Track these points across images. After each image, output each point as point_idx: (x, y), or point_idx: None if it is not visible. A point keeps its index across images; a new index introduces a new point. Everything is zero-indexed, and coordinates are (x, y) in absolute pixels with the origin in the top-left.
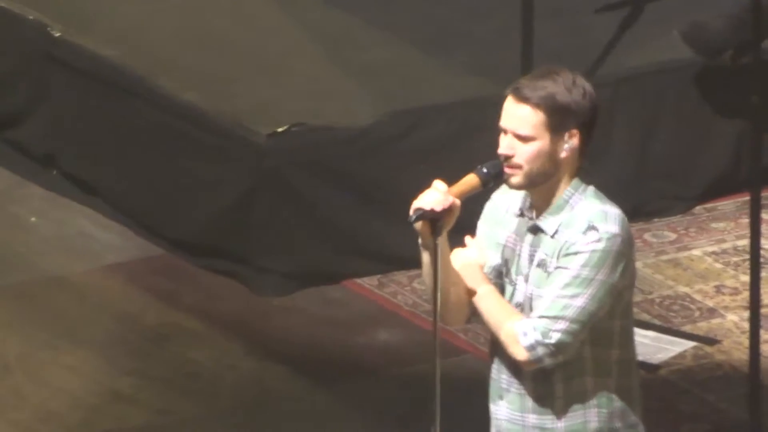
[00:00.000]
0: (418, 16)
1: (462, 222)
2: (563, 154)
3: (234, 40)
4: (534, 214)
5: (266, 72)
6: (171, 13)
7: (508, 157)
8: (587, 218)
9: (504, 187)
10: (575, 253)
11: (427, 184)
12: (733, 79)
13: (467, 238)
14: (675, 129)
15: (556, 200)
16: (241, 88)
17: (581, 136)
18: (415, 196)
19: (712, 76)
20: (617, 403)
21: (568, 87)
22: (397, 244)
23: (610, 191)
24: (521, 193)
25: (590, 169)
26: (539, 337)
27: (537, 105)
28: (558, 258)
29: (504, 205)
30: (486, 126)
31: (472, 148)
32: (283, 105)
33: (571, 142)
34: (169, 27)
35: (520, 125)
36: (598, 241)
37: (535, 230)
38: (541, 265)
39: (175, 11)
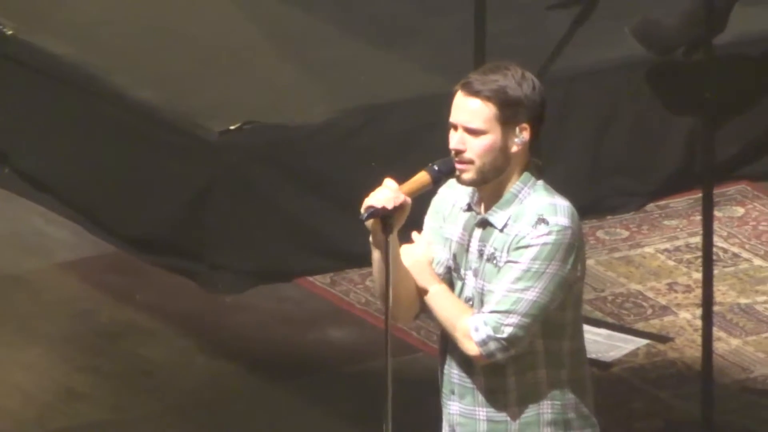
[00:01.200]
0: (373, 12)
1: (409, 217)
2: (514, 148)
3: (189, 36)
4: (482, 209)
5: (221, 69)
6: (125, 10)
7: (459, 152)
8: (536, 211)
9: (451, 182)
10: (525, 247)
11: (380, 182)
12: (685, 75)
13: (414, 234)
14: (628, 126)
15: (505, 194)
16: (195, 85)
17: (531, 129)
18: (367, 193)
19: (664, 73)
20: (570, 395)
21: (518, 81)
22: (350, 242)
23: (564, 188)
24: (468, 188)
25: (543, 166)
26: (491, 332)
27: (488, 98)
28: (508, 252)
29: (451, 200)
30: (440, 123)
31: (426, 145)
32: (237, 102)
33: (522, 136)
34: (123, 24)
35: (472, 119)
36: (548, 234)
37: (484, 224)
38: (491, 259)
39: (129, 8)
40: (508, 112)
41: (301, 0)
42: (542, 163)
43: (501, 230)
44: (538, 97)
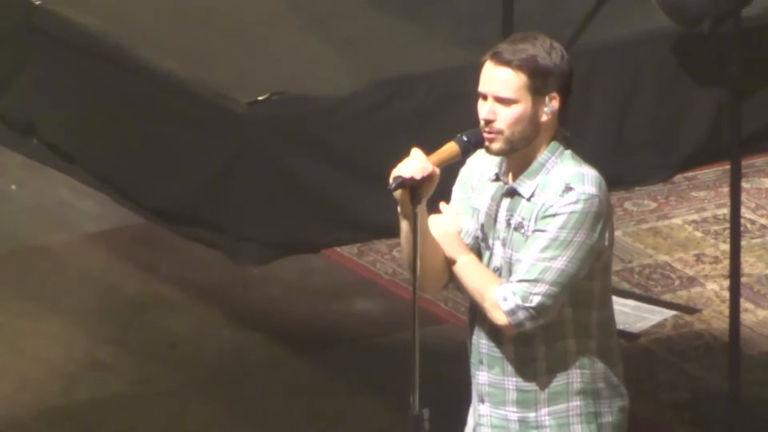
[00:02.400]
0: None
1: (437, 188)
2: (544, 118)
3: (214, 9)
4: (510, 178)
5: (247, 42)
6: None
7: (489, 122)
8: (564, 180)
9: (479, 152)
10: (553, 215)
11: (406, 153)
12: (712, 47)
13: (442, 205)
14: (654, 99)
15: (533, 164)
16: (221, 57)
17: (560, 99)
18: (394, 164)
19: (690, 45)
20: (599, 364)
21: (548, 50)
22: (377, 213)
23: (590, 161)
24: (496, 158)
25: (571, 137)
26: (519, 302)
27: (519, 67)
28: (535, 221)
29: (479, 170)
30: (466, 95)
31: (452, 118)
32: (263, 75)
33: (551, 105)
34: None
35: (502, 88)
36: (576, 202)
37: (512, 194)
38: (519, 228)
39: None
40: (539, 81)
41: None
42: (569, 133)
43: (528, 199)
44: (566, 66)
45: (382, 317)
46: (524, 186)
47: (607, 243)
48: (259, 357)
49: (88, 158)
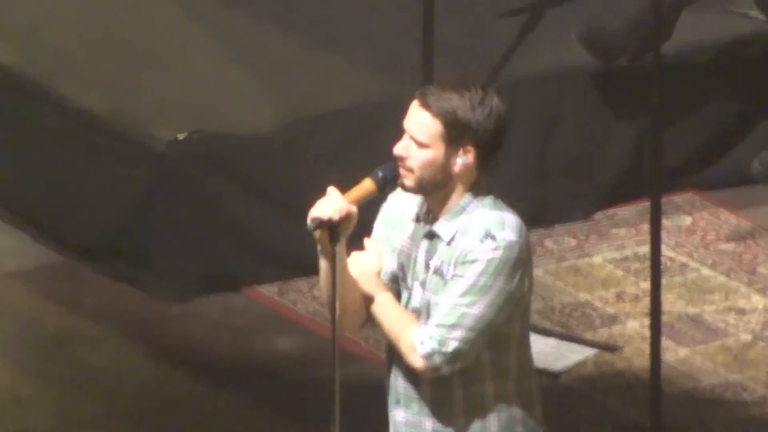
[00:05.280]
0: (319, 15)
1: (357, 224)
2: (456, 169)
3: (134, 41)
4: (430, 219)
5: (167, 74)
6: (68, 13)
7: (401, 158)
8: (484, 226)
9: (400, 190)
10: (472, 261)
11: (327, 189)
12: (632, 82)
13: (366, 241)
14: (574, 134)
15: (453, 207)
16: (141, 91)
17: (478, 153)
18: (315, 201)
19: (611, 80)
20: (516, 408)
21: (474, 104)
22: (298, 251)
23: (509, 196)
24: (418, 198)
25: (490, 181)
26: (436, 346)
27: (436, 115)
28: (455, 266)
29: (400, 209)
30: (388, 128)
31: (373, 151)
32: (184, 109)
33: (465, 158)
34: (67, 27)
35: (417, 131)
36: (496, 249)
37: (431, 236)
38: (438, 271)
39: (72, 11)
40: (454, 133)
41: (247, 2)
42: (488, 179)
43: (448, 243)
44: (492, 123)
45: (302, 355)
46: (444, 229)
47: (526, 288)
48: (179, 391)
49: (5, 194)
